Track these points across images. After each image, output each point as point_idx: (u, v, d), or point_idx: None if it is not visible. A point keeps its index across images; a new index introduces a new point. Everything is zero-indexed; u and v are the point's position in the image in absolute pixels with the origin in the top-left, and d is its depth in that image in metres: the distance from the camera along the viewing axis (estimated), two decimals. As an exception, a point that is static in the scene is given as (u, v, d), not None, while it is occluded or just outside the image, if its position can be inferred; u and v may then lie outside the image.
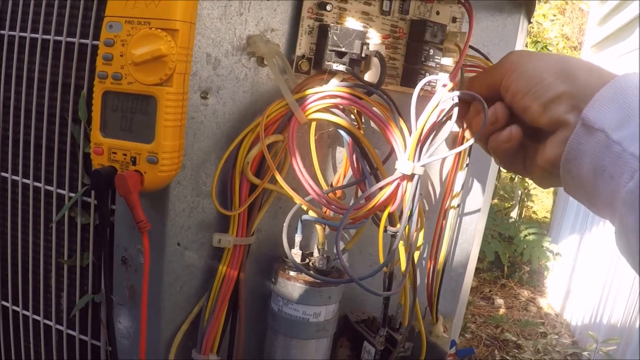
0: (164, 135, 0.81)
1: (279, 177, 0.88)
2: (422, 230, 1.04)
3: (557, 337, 3.96)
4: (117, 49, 0.81)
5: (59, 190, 1.08)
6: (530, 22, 1.30)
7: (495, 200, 6.92)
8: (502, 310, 4.01)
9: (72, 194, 1.06)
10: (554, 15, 8.40)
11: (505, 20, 1.16)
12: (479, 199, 1.24)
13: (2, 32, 1.11)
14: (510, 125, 0.85)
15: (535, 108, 0.79)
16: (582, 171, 0.73)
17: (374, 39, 0.96)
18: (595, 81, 0.75)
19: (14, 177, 1.14)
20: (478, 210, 1.26)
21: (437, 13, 1.02)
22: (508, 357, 3.28)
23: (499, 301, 4.11)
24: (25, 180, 1.12)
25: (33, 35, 1.07)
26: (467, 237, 1.26)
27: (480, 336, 3.52)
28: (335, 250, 0.98)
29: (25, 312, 1.20)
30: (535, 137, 0.84)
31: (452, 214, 1.14)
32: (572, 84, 0.76)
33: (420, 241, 1.03)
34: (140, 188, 0.82)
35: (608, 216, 0.74)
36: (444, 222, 1.13)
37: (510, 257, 5.04)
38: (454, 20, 1.04)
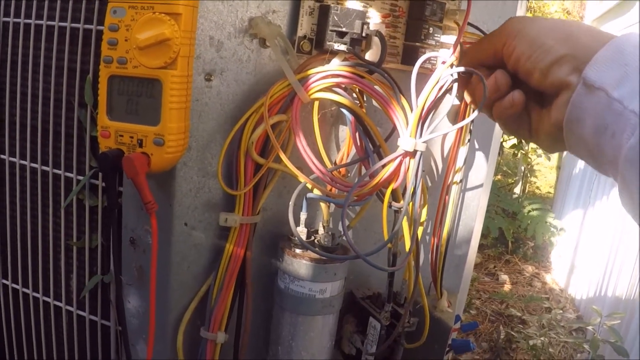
0: (169, 117, 0.82)
1: (283, 156, 0.89)
2: (426, 207, 1.05)
3: (561, 312, 3.98)
4: (121, 34, 0.82)
5: (67, 174, 1.10)
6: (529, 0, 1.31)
7: (499, 176, 6.92)
8: (506, 286, 4.02)
9: (80, 177, 1.08)
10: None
11: (505, -2, 1.17)
12: (481, 175, 1.25)
13: (7, 19, 1.12)
14: (513, 91, 0.85)
15: (538, 72, 0.80)
16: (584, 130, 0.74)
17: (374, 18, 0.97)
18: (595, 42, 0.75)
19: (22, 162, 1.15)
20: (480, 186, 1.27)
21: (436, -8, 1.03)
22: (513, 333, 3.29)
23: (504, 277, 4.13)
24: (33, 165, 1.14)
25: (37, 21, 1.08)
26: (470, 212, 1.28)
27: (485, 312, 3.53)
28: (340, 227, 1.00)
29: (36, 294, 1.22)
30: (540, 101, 0.85)
31: (454, 189, 1.15)
32: (573, 46, 0.77)
33: (423, 217, 1.04)
34: (147, 169, 0.84)
35: (612, 174, 0.75)
36: (446, 197, 1.15)
37: (514, 233, 5.06)
38: (451, -2, 1.05)
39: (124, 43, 0.82)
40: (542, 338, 3.22)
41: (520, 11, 1.22)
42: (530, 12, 7.84)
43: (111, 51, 0.83)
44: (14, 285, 1.26)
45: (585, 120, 0.73)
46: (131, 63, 0.82)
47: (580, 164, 5.81)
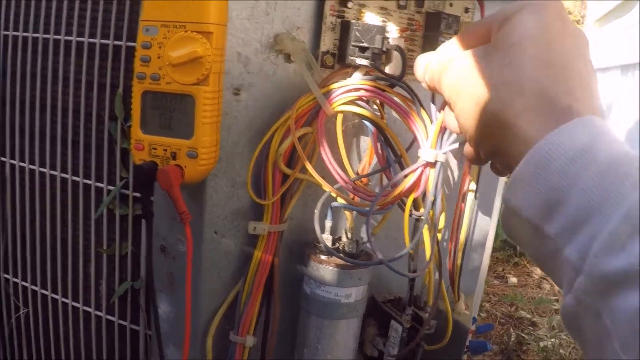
0: (202, 131, 0.86)
1: (309, 167, 0.93)
2: (443, 214, 1.08)
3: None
4: (154, 51, 0.86)
5: (97, 184, 1.13)
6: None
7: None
8: (515, 289, 4.04)
9: (111, 187, 1.11)
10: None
11: (516, 8, 1.20)
12: (494, 182, 1.28)
13: (37, 35, 1.16)
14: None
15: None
16: (525, 251, 0.61)
17: (393, 32, 1.00)
18: (512, 142, 0.58)
19: (52, 172, 1.19)
20: (494, 192, 1.31)
21: (451, 5, 1.06)
22: (523, 335, 3.31)
23: (513, 279, 4.14)
24: (63, 175, 1.17)
25: (67, 37, 1.12)
26: (485, 218, 1.31)
27: (495, 315, 3.55)
28: (362, 235, 1.03)
29: (65, 300, 1.26)
30: None
31: (470, 196, 1.18)
32: (493, 145, 0.62)
33: (441, 224, 1.07)
34: (181, 181, 0.87)
35: None
36: (462, 205, 1.18)
37: (522, 236, 5.06)
38: (466, 10, 1.08)
39: (156, 60, 0.86)
40: (552, 339, 3.24)
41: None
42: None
43: (144, 68, 0.87)
44: (43, 291, 1.29)
45: (522, 244, 0.59)
46: (164, 79, 0.86)
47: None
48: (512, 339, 3.26)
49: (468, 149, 0.71)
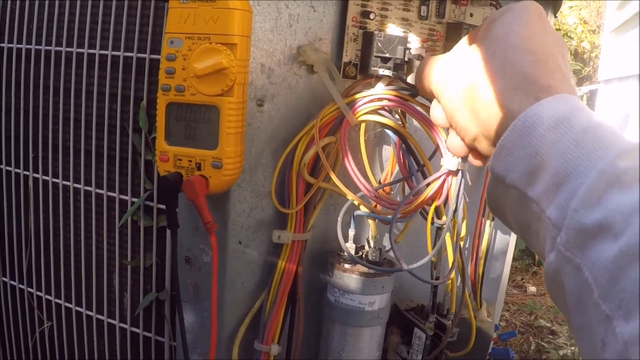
0: (226, 141, 0.87)
1: (334, 176, 0.94)
2: (465, 222, 1.09)
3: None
4: (179, 63, 0.87)
5: (121, 196, 1.14)
6: (555, 17, 1.35)
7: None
8: (534, 298, 4.03)
9: (134, 199, 1.13)
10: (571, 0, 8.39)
11: (535, 17, 1.21)
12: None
13: (59, 48, 1.17)
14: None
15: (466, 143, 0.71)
16: (509, 223, 0.65)
17: (414, 43, 1.01)
18: (500, 119, 0.62)
19: (76, 185, 1.20)
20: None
21: (471, 15, 1.07)
22: (543, 343, 3.31)
23: (532, 289, 4.13)
24: (87, 188, 1.18)
25: (90, 50, 1.13)
26: (506, 227, 1.32)
27: (515, 324, 3.55)
28: (386, 243, 1.04)
29: (89, 312, 1.27)
30: None
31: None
32: (479, 124, 0.66)
33: (463, 232, 1.08)
34: (206, 192, 0.88)
35: None
36: (484, 212, 1.19)
37: (540, 245, 5.04)
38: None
39: (181, 72, 0.87)
40: (572, 348, 3.23)
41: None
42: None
43: (169, 79, 0.88)
44: (67, 304, 1.30)
45: (506, 214, 0.64)
46: (189, 91, 0.87)
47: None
48: (532, 348, 3.26)
49: (452, 140, 0.74)
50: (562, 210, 0.52)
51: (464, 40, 0.74)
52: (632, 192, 0.48)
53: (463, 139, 0.71)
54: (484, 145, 0.67)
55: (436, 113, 0.77)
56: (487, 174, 1.16)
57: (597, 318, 0.48)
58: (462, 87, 0.67)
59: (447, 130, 0.78)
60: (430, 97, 0.79)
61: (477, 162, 0.75)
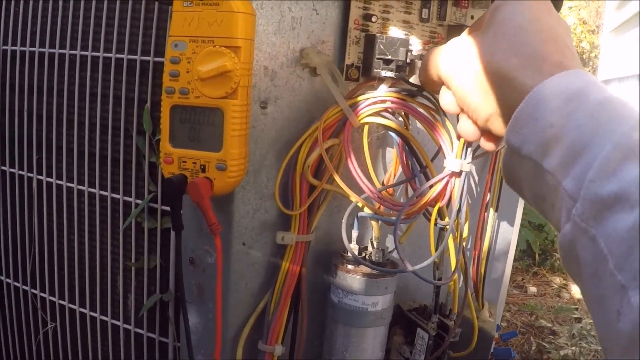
0: (231, 143, 0.87)
1: (337, 178, 0.94)
2: (467, 222, 1.09)
3: (592, 321, 3.94)
4: (183, 66, 0.87)
5: (126, 198, 1.15)
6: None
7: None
8: (535, 298, 4.03)
9: (138, 201, 1.13)
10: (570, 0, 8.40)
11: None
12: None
13: (63, 51, 1.18)
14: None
15: (480, 125, 0.73)
16: (524, 195, 0.65)
17: (416, 45, 1.02)
18: (514, 93, 0.62)
19: (80, 187, 1.21)
20: (516, 201, 1.32)
21: (472, 17, 1.07)
22: (544, 343, 3.31)
23: (532, 289, 4.13)
24: (91, 190, 1.19)
25: (94, 53, 1.14)
26: (507, 227, 1.32)
27: (516, 324, 3.55)
28: (389, 244, 1.05)
29: (93, 314, 1.27)
30: None
31: (492, 205, 1.19)
32: (494, 103, 0.67)
33: (465, 233, 1.08)
34: (211, 193, 0.89)
35: None
36: (486, 213, 1.19)
37: (541, 245, 5.04)
38: (487, 22, 1.10)
39: (185, 75, 0.87)
40: (573, 348, 3.24)
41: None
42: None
43: (173, 82, 0.88)
44: (71, 305, 1.31)
45: (522, 186, 0.64)
46: (193, 93, 0.87)
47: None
48: (533, 348, 3.26)
49: (464, 125, 0.76)
50: (578, 181, 0.53)
51: (467, 31, 0.77)
52: None
53: (476, 122, 0.72)
54: (497, 125, 0.68)
55: (446, 100, 0.78)
56: (490, 173, 1.17)
57: (612, 289, 0.48)
58: (473, 70, 0.68)
59: (457, 117, 0.79)
60: (437, 87, 0.81)
61: (489, 146, 0.76)
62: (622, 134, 0.51)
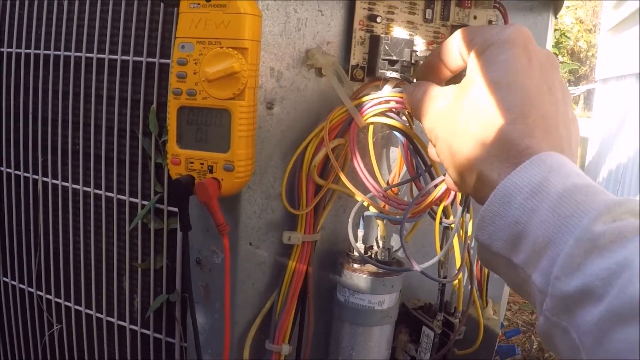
0: (238, 144, 0.88)
1: (344, 178, 0.95)
2: (471, 221, 1.10)
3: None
4: (190, 67, 0.88)
5: (131, 199, 1.15)
6: (556, 18, 1.36)
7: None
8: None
9: (145, 202, 1.14)
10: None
11: (536, 19, 1.22)
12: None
13: (68, 53, 1.19)
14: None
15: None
16: (504, 279, 0.64)
17: (420, 45, 1.02)
18: (479, 186, 0.64)
19: (86, 189, 1.21)
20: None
21: (475, 17, 1.08)
22: (545, 342, 3.32)
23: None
24: (97, 191, 1.20)
25: (99, 55, 1.14)
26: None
27: (517, 322, 3.56)
28: (394, 243, 1.05)
29: (99, 315, 1.28)
30: None
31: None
32: (467, 187, 0.67)
33: (470, 231, 1.09)
34: (218, 194, 0.89)
35: None
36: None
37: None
38: (489, 23, 1.10)
39: (192, 76, 0.88)
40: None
41: (550, 31, 1.28)
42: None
43: (180, 84, 0.89)
44: (77, 307, 1.32)
45: (500, 274, 0.64)
46: (200, 95, 0.88)
47: (603, 172, 5.81)
48: (535, 347, 3.27)
49: (449, 181, 0.75)
50: (545, 277, 0.54)
51: (445, 65, 0.78)
52: (609, 255, 0.50)
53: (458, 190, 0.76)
54: (477, 202, 0.67)
55: (432, 153, 0.80)
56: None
57: None
58: (449, 151, 0.69)
59: None
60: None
61: None
62: (583, 228, 0.52)
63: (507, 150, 0.61)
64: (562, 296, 0.52)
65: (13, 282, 1.42)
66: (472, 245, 1.21)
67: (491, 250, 0.60)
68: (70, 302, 1.32)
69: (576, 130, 0.68)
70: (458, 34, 0.74)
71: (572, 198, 0.55)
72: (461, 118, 0.67)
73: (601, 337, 0.48)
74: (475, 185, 0.65)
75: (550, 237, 0.54)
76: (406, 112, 0.99)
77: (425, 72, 0.83)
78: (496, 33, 0.68)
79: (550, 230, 0.54)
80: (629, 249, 0.49)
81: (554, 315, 0.53)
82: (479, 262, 0.67)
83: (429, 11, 1.03)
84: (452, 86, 0.73)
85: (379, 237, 1.04)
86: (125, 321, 1.24)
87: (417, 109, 0.78)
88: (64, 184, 1.25)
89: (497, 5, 1.07)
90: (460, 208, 0.97)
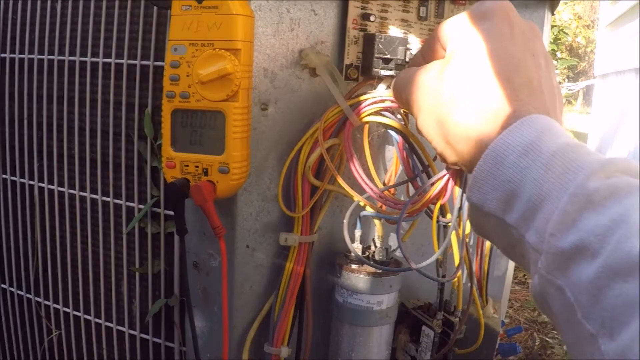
0: (233, 146, 0.88)
1: (339, 178, 0.95)
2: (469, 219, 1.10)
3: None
4: (183, 70, 0.88)
5: (128, 203, 1.15)
6: (553, 15, 1.36)
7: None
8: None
9: (141, 206, 1.13)
10: (565, -4, 8.43)
11: (532, 15, 1.22)
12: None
13: (62, 57, 1.18)
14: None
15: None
16: (496, 245, 0.65)
17: (414, 43, 1.02)
18: (473, 149, 0.64)
19: (82, 193, 1.21)
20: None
21: (470, 14, 1.08)
22: (547, 339, 3.31)
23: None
24: (93, 196, 1.19)
25: (94, 59, 1.14)
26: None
27: (519, 320, 3.55)
28: (391, 242, 1.05)
29: (98, 320, 1.28)
30: None
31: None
32: (456, 154, 0.67)
33: (468, 229, 1.09)
34: (214, 196, 0.89)
35: None
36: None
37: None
38: (485, 19, 1.10)
39: (185, 78, 0.88)
40: (577, 343, 3.24)
41: (546, 27, 1.27)
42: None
43: (173, 86, 0.89)
44: (75, 313, 1.31)
45: (492, 238, 0.65)
46: (194, 97, 0.88)
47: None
48: (537, 344, 3.26)
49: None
50: (540, 234, 0.54)
51: (432, 49, 0.75)
52: (604, 211, 0.50)
53: (444, 161, 0.73)
54: (466, 170, 0.68)
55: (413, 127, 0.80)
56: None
57: (583, 337, 0.50)
58: (434, 119, 0.69)
59: None
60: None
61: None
62: (577, 184, 0.52)
63: (495, 115, 0.62)
64: (557, 253, 0.52)
65: (11, 289, 1.41)
66: (471, 243, 1.21)
67: (483, 210, 0.60)
68: (69, 308, 1.32)
69: (560, 97, 0.68)
70: (437, 28, 0.73)
71: (565, 156, 0.55)
72: (446, 87, 0.67)
73: (597, 294, 0.48)
74: (465, 152, 0.65)
75: (544, 195, 0.54)
76: (401, 111, 0.99)
77: None
78: (475, 8, 0.68)
79: (544, 188, 0.54)
80: (624, 205, 0.50)
81: (549, 273, 0.53)
82: (472, 227, 0.65)
83: (423, 9, 1.02)
84: (434, 61, 0.72)
85: (376, 237, 1.04)
86: (124, 326, 1.24)
87: (398, 89, 0.78)
88: (60, 189, 1.24)
89: (492, 2, 1.06)
90: (457, 206, 0.96)
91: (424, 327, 1.08)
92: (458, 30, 0.68)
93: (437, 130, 0.68)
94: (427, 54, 0.76)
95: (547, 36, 1.28)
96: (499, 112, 0.62)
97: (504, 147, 0.58)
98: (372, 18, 0.97)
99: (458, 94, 0.65)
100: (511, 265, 1.42)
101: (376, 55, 0.95)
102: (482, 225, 0.64)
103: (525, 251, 0.57)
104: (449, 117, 0.66)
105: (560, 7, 8.22)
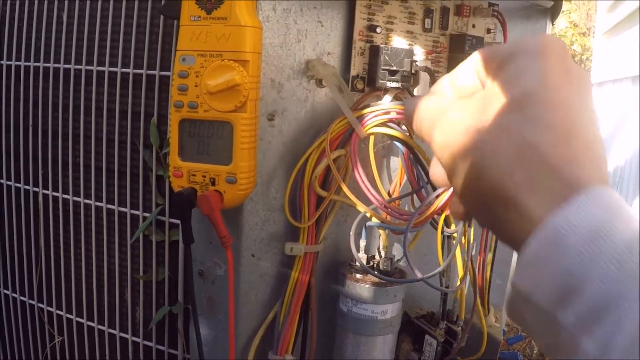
0: (240, 156, 0.88)
1: (345, 189, 0.95)
2: (472, 229, 1.10)
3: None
4: (191, 80, 0.88)
5: (133, 211, 1.15)
6: (553, 25, 1.36)
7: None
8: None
9: (146, 214, 1.14)
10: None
11: (534, 26, 1.23)
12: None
13: (68, 66, 1.19)
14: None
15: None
16: (535, 338, 0.49)
17: (419, 55, 1.03)
18: (511, 218, 0.47)
19: (87, 201, 1.21)
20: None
21: (473, 26, 1.09)
22: (545, 346, 3.32)
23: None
24: (98, 203, 1.20)
25: (99, 68, 1.14)
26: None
27: (517, 328, 3.55)
28: (395, 252, 1.05)
29: (101, 327, 1.28)
30: None
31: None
32: (489, 218, 0.50)
33: (471, 239, 1.09)
34: (221, 206, 0.90)
35: None
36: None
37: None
38: (488, 31, 1.11)
39: (193, 88, 0.88)
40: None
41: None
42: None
43: (181, 96, 0.89)
44: (79, 319, 1.31)
45: (531, 331, 0.49)
46: (202, 107, 0.88)
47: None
48: (535, 352, 3.27)
49: (456, 207, 0.59)
50: (602, 347, 0.41)
51: (468, 79, 0.55)
52: None
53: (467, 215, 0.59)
54: (498, 237, 0.52)
55: (437, 175, 0.60)
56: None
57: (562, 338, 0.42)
58: (472, 172, 0.50)
59: None
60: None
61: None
62: None
63: (551, 178, 0.46)
64: None
65: (14, 295, 1.41)
66: (474, 253, 1.21)
67: (531, 301, 0.45)
68: (72, 315, 1.32)
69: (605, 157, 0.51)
70: (479, 57, 0.55)
71: None
72: (485, 130, 0.49)
73: None
74: (506, 218, 0.48)
75: (613, 298, 0.41)
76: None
77: None
78: (524, 42, 0.52)
79: (615, 289, 0.41)
80: None
81: None
82: (509, 315, 0.49)
83: (428, 20, 1.03)
84: (472, 99, 0.53)
85: (381, 247, 1.05)
86: (127, 333, 1.24)
87: (425, 120, 0.56)
88: (65, 196, 1.25)
89: (496, 14, 1.07)
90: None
91: (427, 336, 1.09)
92: (501, 68, 0.51)
93: (471, 189, 0.50)
94: (459, 83, 0.56)
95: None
96: (558, 174, 0.46)
97: (567, 227, 0.43)
98: (378, 30, 0.98)
99: (505, 138, 0.48)
100: (512, 273, 1.42)
101: (382, 67, 0.96)
102: (522, 314, 0.48)
103: (577, 357, 0.43)
104: (490, 174, 0.49)
105: (557, 15, 8.23)
